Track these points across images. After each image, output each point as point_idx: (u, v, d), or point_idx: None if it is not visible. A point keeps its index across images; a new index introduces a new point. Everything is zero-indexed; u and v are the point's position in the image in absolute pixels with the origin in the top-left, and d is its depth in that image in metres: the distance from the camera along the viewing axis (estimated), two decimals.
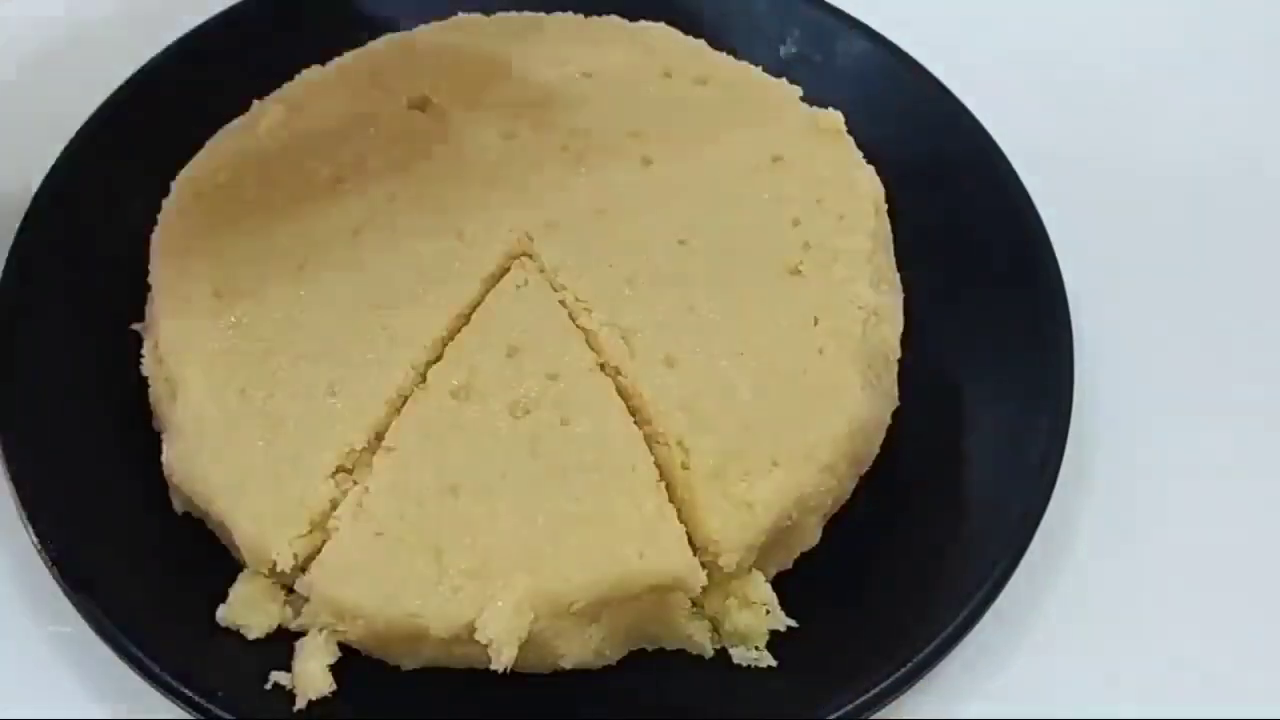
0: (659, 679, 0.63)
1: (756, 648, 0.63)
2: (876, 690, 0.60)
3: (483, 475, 0.61)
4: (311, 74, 0.74)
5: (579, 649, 0.60)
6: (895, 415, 0.69)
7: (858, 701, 0.59)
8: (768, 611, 0.63)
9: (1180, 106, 0.86)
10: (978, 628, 0.62)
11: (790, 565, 0.66)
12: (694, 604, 0.63)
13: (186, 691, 0.58)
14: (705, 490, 0.61)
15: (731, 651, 0.63)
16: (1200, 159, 0.84)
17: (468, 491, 0.60)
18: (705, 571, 0.60)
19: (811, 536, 0.66)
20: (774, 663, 0.62)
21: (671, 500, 0.61)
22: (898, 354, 0.69)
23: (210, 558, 0.64)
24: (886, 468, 0.68)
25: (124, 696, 0.62)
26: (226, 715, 0.58)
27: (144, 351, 0.67)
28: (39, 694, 0.62)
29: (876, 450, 0.68)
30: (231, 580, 0.63)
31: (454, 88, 0.73)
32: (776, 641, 0.63)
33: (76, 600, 0.60)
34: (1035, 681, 0.66)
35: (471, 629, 0.58)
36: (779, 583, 0.64)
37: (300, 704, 0.59)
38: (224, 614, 0.62)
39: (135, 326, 0.69)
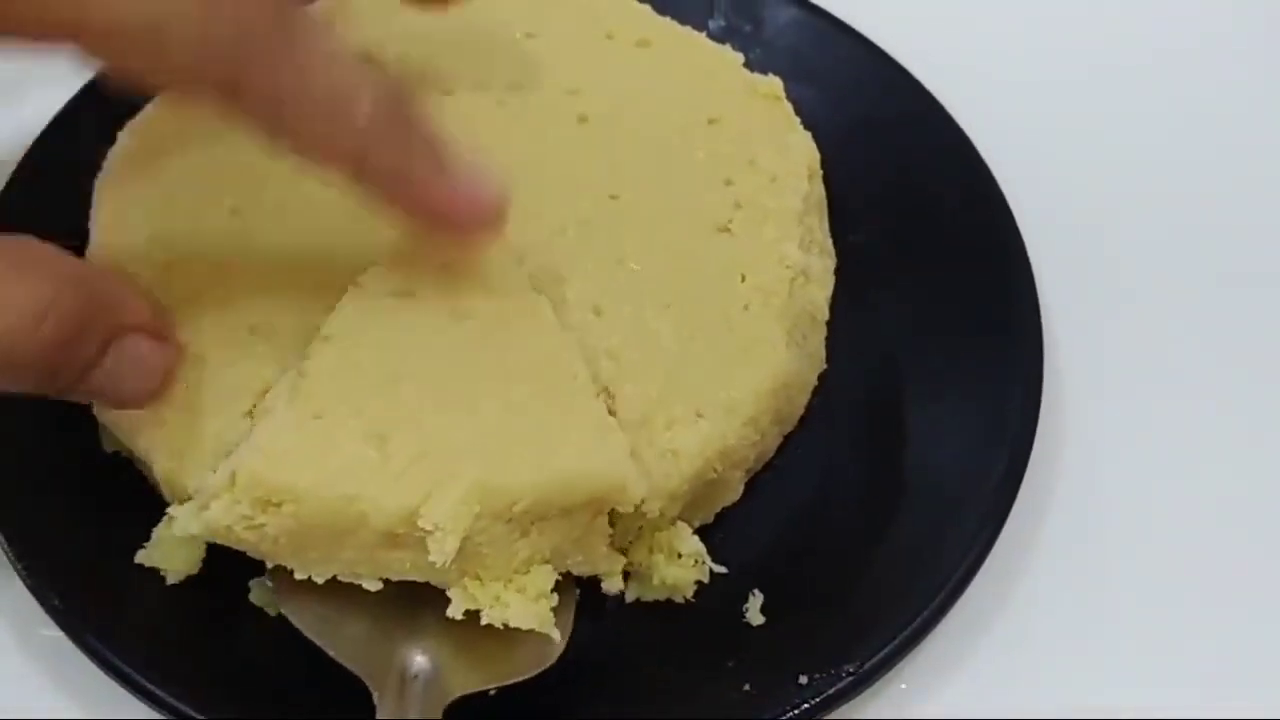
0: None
1: (686, 599, 0.64)
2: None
3: (426, 369, 0.59)
4: None
5: (503, 565, 0.59)
6: (827, 376, 0.70)
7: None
8: (695, 563, 0.64)
9: (1136, 72, 0.88)
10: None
11: (711, 520, 0.66)
12: (620, 550, 0.63)
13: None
14: (630, 437, 0.61)
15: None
16: (1163, 126, 0.85)
17: (411, 381, 0.59)
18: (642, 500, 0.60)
19: (734, 492, 0.66)
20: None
21: None
22: (826, 316, 0.70)
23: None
24: (820, 426, 0.69)
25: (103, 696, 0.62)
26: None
27: None
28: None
29: (801, 409, 0.68)
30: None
31: (392, 47, 0.72)
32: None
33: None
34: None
35: (414, 516, 0.55)
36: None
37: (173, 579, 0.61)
38: (143, 556, 0.62)
39: None
